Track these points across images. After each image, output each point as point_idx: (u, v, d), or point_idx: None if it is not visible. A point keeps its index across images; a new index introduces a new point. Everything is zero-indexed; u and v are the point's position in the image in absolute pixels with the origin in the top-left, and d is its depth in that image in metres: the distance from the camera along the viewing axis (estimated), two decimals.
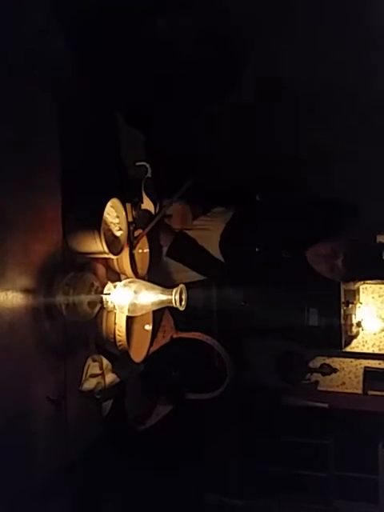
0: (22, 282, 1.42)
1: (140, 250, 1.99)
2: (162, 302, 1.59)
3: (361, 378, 4.06)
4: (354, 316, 3.82)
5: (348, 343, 3.87)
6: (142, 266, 2.00)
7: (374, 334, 4.02)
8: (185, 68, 2.23)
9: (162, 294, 1.59)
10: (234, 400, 2.75)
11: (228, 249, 2.35)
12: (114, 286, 1.62)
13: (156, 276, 2.06)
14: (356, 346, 4.06)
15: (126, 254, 1.85)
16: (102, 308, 1.62)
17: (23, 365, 1.44)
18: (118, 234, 1.82)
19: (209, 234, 2.39)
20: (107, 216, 1.75)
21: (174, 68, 2.26)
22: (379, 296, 4.05)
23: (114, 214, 1.79)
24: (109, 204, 1.72)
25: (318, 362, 4.02)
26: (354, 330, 3.86)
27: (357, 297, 3.92)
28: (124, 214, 1.83)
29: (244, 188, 2.52)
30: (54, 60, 1.74)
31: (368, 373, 4.03)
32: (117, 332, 1.76)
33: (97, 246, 1.66)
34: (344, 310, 3.48)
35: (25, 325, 1.44)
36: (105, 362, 1.78)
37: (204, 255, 2.37)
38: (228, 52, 2.19)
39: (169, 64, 2.27)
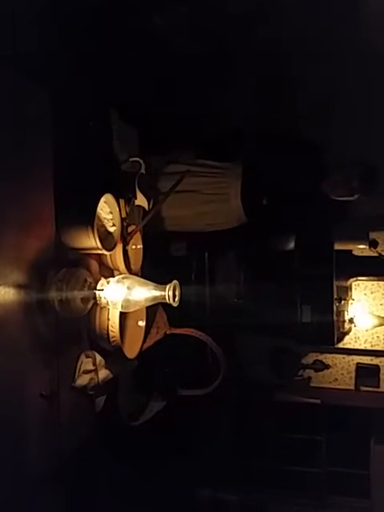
0: (15, 278, 1.41)
1: (133, 246, 1.99)
2: (155, 297, 1.59)
3: (353, 374, 4.06)
4: (346, 312, 3.82)
5: (340, 339, 3.88)
6: (136, 261, 1.99)
7: (366, 331, 4.02)
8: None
9: (155, 289, 1.59)
10: (227, 396, 2.75)
11: (253, 203, 2.53)
12: (108, 282, 1.61)
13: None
14: (348, 342, 4.07)
15: (119, 249, 1.85)
16: (96, 304, 1.62)
17: (16, 361, 1.43)
18: (112, 229, 1.81)
19: (227, 191, 2.53)
20: (100, 212, 1.74)
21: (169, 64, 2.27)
22: (371, 292, 4.06)
23: (108, 210, 1.78)
24: (102, 200, 1.72)
25: (310, 359, 4.04)
26: (347, 326, 3.86)
27: (349, 293, 3.92)
28: (117, 209, 1.82)
29: (246, 139, 2.66)
30: (48, 56, 1.73)
31: (360, 369, 4.03)
32: (110, 328, 1.75)
33: (90, 241, 1.66)
34: (336, 307, 3.48)
35: (17, 321, 1.43)
36: (98, 358, 1.77)
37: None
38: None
39: (164, 60, 2.28)
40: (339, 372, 4.12)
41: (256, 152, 2.60)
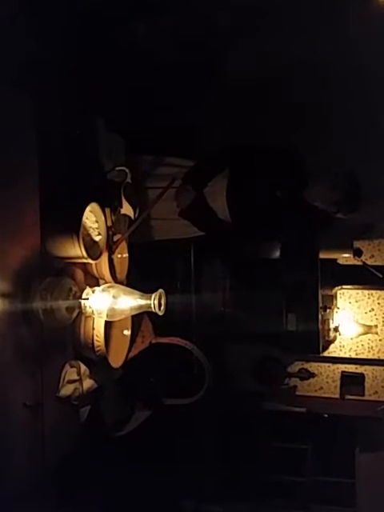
0: None
1: (119, 255, 1.98)
2: (140, 306, 1.59)
3: (338, 382, 4.08)
4: (331, 321, 3.84)
5: (325, 348, 3.89)
6: (121, 270, 1.99)
7: (351, 339, 4.05)
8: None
9: (140, 298, 1.58)
10: (213, 405, 2.75)
11: (237, 202, 2.51)
12: (93, 291, 1.61)
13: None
14: (333, 350, 4.09)
15: (104, 258, 1.84)
16: (81, 313, 1.61)
17: None
18: (97, 238, 1.81)
19: (213, 189, 2.53)
20: (86, 221, 1.74)
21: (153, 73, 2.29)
22: (356, 301, 4.09)
23: (93, 219, 1.78)
24: (88, 209, 1.71)
25: (295, 367, 4.05)
26: (332, 334, 3.89)
27: (334, 302, 3.95)
28: (103, 218, 1.82)
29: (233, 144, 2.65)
30: (32, 63, 1.73)
31: (345, 377, 4.06)
32: (95, 337, 1.74)
33: (75, 250, 1.65)
34: (322, 315, 3.50)
35: (1, 330, 1.42)
36: (82, 367, 1.76)
37: (214, 218, 2.55)
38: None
39: (148, 69, 2.29)
40: (324, 380, 4.13)
41: (243, 158, 2.58)
